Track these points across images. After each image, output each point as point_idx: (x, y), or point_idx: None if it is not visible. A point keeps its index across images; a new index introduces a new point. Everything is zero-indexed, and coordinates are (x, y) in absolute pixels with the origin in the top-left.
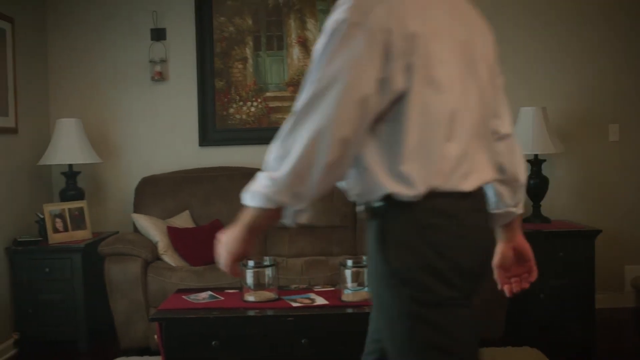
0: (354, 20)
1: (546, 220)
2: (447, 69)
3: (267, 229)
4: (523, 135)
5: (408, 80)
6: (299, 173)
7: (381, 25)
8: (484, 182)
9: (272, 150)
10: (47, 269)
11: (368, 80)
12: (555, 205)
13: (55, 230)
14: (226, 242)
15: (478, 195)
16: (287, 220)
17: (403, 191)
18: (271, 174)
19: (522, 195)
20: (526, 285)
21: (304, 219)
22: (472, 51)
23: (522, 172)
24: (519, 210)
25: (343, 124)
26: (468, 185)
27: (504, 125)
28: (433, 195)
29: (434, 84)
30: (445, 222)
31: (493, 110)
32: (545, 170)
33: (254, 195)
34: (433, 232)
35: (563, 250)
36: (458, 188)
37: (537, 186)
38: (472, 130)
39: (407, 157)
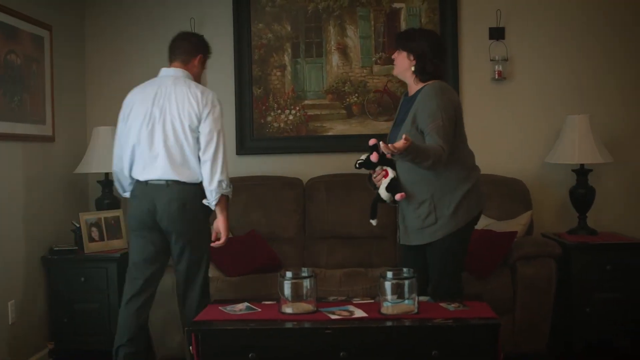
0: None
1: (593, 232)
2: (133, 123)
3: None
4: (568, 144)
5: None
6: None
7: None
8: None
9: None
10: (82, 279)
11: None
12: (602, 217)
13: (91, 240)
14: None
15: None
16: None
17: None
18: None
19: (212, 196)
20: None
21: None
22: (154, 116)
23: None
24: (212, 204)
25: None
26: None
27: (204, 154)
28: None
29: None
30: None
31: (181, 146)
32: (592, 180)
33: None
34: None
35: (610, 263)
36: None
37: (583, 197)
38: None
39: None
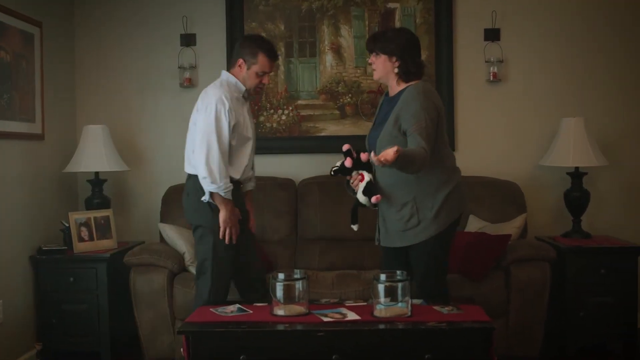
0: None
1: (587, 235)
2: None
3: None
4: (563, 147)
5: None
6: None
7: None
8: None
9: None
10: (71, 279)
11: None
12: (597, 220)
13: (81, 239)
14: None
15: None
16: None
17: None
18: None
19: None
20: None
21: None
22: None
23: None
24: (205, 199)
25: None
26: None
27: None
28: None
29: None
30: None
31: (192, 141)
32: (587, 183)
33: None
34: None
35: (604, 267)
36: None
37: (577, 200)
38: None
39: None
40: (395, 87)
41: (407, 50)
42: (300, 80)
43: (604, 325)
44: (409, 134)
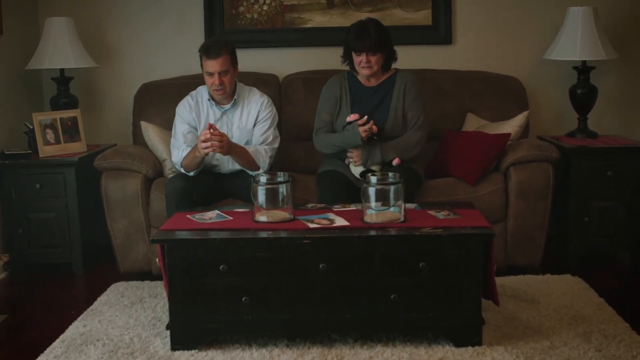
0: None
1: (593, 134)
2: None
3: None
4: (570, 39)
5: None
6: None
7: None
8: None
9: None
10: (38, 185)
11: None
12: (604, 119)
13: (47, 142)
14: None
15: None
16: None
17: None
18: None
19: None
20: None
21: None
22: None
23: None
24: None
25: None
26: None
27: None
28: None
29: None
30: None
31: None
32: (595, 79)
33: None
34: None
35: (611, 168)
36: None
37: (584, 97)
38: None
39: None
40: (380, 76)
41: (391, 42)
42: None
43: (610, 232)
44: (414, 121)
